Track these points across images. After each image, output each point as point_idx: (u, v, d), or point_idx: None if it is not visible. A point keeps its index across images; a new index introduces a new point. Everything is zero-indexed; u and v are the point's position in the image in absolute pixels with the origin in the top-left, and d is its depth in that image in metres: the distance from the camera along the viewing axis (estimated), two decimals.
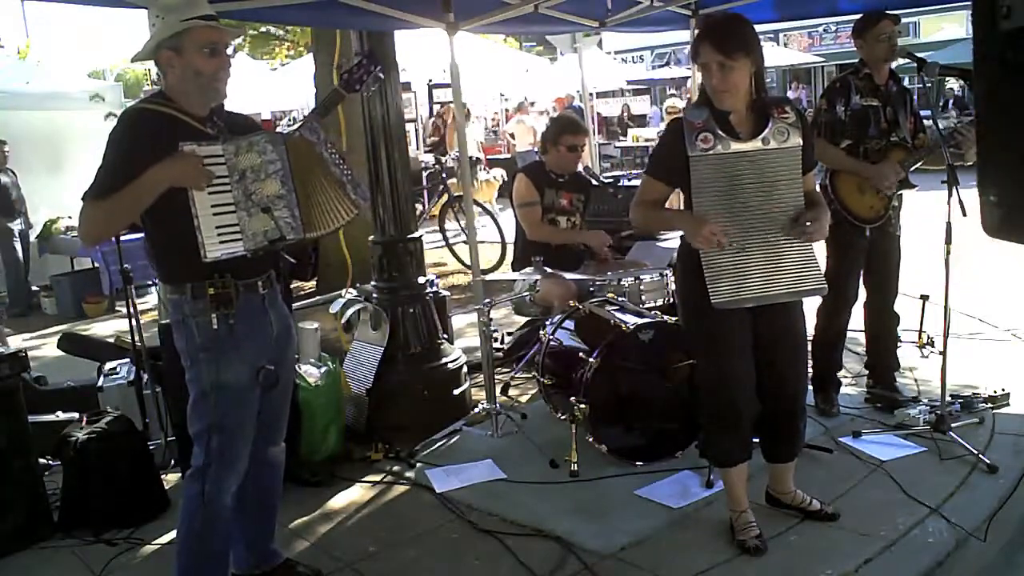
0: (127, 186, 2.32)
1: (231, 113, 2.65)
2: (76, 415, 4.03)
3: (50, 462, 3.78)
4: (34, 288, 8.56)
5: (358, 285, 4.85)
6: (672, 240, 4.62)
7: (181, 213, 2.36)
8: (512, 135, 15.34)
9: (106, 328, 7.05)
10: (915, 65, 3.66)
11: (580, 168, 5.00)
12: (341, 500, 3.62)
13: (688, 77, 7.28)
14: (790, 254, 2.83)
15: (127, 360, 4.35)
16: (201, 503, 2.54)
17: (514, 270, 4.90)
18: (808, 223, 2.78)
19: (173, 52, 2.43)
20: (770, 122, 2.80)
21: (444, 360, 4.41)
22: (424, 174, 11.87)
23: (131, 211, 2.38)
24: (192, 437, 2.58)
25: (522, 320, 5.24)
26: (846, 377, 4.42)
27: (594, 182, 5.16)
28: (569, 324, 4.10)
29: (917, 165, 3.90)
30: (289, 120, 19.84)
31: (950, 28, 20.82)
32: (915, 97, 4.12)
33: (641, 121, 19.98)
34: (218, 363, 2.47)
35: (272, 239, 2.39)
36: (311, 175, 2.58)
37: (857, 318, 4.23)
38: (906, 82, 4.09)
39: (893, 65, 3.99)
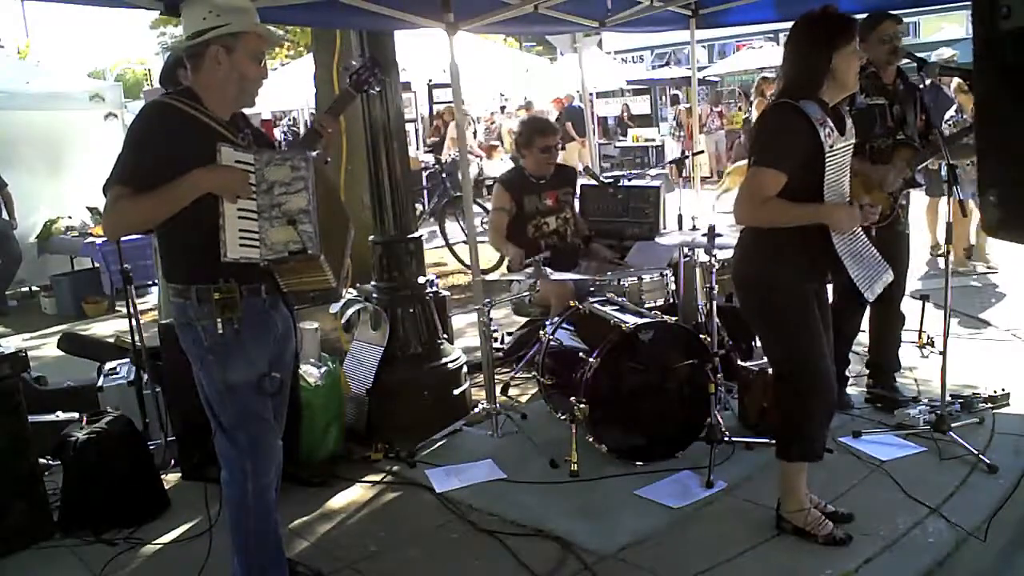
0: (166, 185, 2.31)
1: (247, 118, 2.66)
2: (76, 415, 4.04)
3: (50, 462, 3.77)
4: (34, 288, 8.53)
5: (358, 285, 4.84)
6: (671, 240, 4.60)
7: (197, 214, 2.35)
8: None
9: (106, 328, 7.04)
10: (915, 65, 3.65)
11: (580, 167, 4.99)
12: (341, 500, 3.62)
13: (688, 77, 7.25)
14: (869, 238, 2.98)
15: (127, 360, 4.36)
16: (250, 503, 2.55)
17: (509, 271, 4.90)
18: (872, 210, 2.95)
19: (224, 50, 2.42)
20: (847, 117, 2.91)
21: (444, 360, 4.40)
22: (424, 174, 11.87)
23: (168, 211, 2.36)
24: (223, 430, 2.56)
25: (522, 320, 5.24)
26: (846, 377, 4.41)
27: (594, 182, 5.16)
28: (569, 324, 4.09)
29: (925, 163, 3.89)
30: (289, 120, 19.84)
31: (950, 28, 20.79)
32: (924, 94, 4.09)
33: (647, 121, 19.88)
34: (225, 366, 2.48)
35: (293, 251, 2.38)
36: (327, 199, 2.59)
37: None
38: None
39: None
